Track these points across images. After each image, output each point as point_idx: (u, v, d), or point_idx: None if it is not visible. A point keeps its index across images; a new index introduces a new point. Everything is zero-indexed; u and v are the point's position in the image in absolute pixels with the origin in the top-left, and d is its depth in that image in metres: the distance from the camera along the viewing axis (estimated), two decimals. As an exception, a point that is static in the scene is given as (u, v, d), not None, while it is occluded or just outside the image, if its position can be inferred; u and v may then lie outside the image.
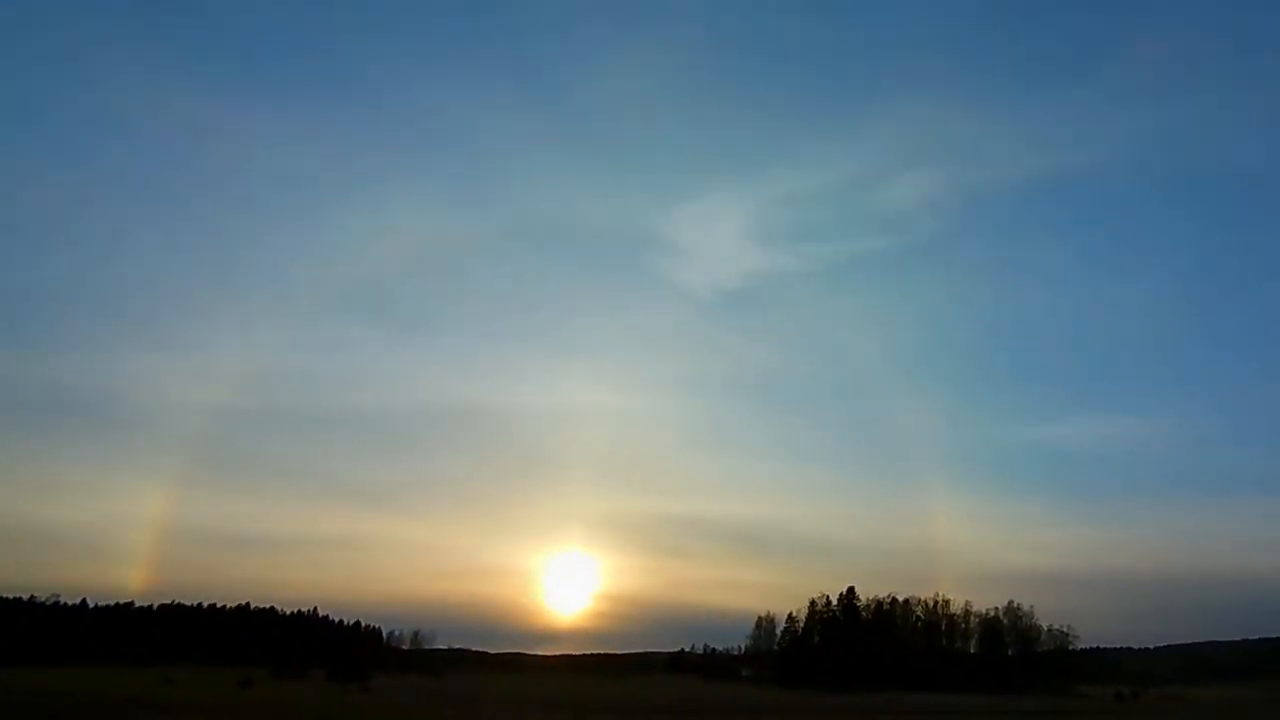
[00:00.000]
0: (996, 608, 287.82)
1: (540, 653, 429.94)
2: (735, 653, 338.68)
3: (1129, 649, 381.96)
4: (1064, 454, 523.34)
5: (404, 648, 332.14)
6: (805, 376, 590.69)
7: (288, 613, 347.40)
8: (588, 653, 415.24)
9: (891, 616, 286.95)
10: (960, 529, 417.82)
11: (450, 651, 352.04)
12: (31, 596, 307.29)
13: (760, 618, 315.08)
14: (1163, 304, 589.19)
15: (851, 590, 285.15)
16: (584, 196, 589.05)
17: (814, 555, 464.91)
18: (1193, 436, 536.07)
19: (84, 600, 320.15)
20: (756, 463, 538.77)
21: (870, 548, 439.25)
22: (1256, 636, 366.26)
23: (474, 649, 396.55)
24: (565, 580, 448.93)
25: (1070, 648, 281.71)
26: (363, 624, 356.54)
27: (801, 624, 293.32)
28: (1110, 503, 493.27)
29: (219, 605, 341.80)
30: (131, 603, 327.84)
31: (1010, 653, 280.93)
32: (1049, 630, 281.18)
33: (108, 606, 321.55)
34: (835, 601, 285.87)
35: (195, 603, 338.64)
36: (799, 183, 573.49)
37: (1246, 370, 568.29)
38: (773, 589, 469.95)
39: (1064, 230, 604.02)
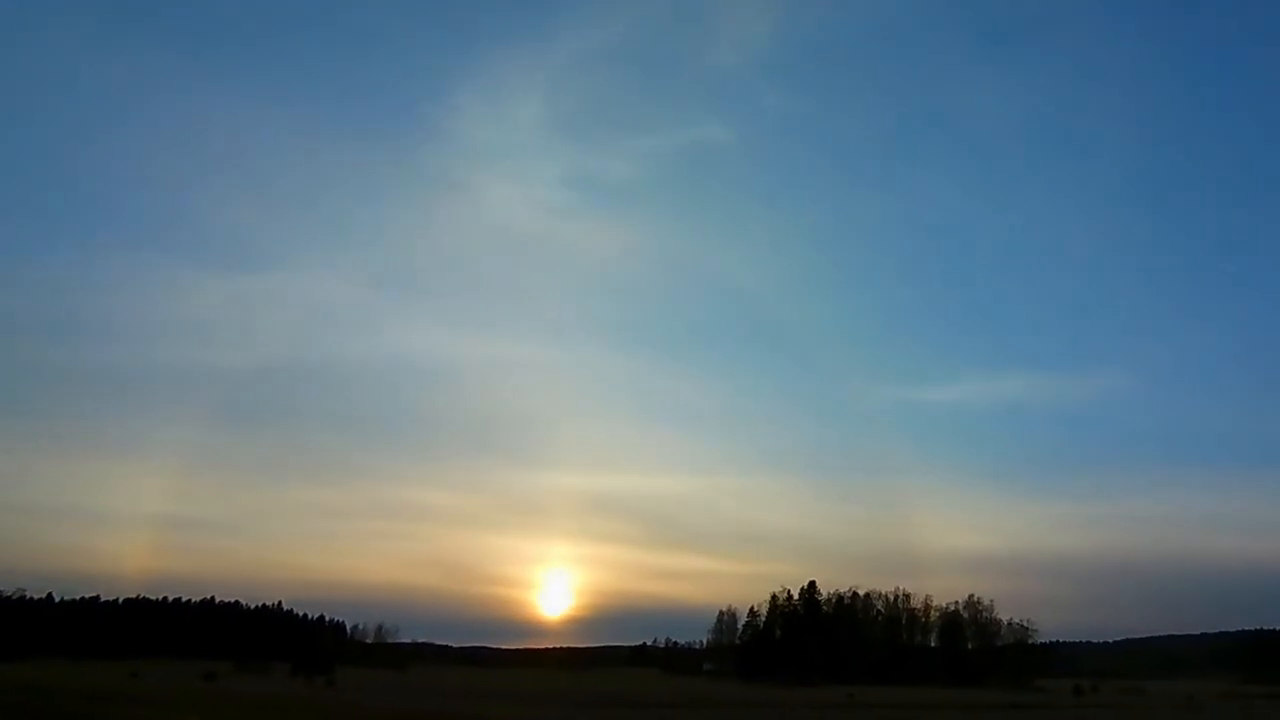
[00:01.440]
0: (957, 602, 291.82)
1: (502, 646, 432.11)
2: (697, 647, 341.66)
3: (1089, 643, 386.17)
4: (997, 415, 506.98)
5: (368, 641, 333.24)
6: (691, 323, 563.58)
7: (252, 607, 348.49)
8: (550, 647, 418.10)
9: (852, 610, 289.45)
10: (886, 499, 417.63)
11: (414, 645, 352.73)
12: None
13: (722, 612, 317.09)
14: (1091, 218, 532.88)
15: (813, 584, 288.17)
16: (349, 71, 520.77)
17: (745, 540, 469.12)
18: (1145, 395, 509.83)
19: (50, 594, 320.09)
20: (664, 428, 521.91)
21: (798, 532, 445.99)
22: (1216, 630, 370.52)
23: (437, 643, 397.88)
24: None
25: (1030, 641, 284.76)
26: (326, 618, 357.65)
27: (763, 618, 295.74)
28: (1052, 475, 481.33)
29: (184, 599, 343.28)
30: (97, 597, 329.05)
31: (970, 646, 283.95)
32: (1009, 624, 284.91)
33: (74, 601, 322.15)
34: (796, 595, 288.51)
35: (161, 597, 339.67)
36: (591, 35, 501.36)
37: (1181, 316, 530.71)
38: (688, 574, 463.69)
39: (959, 96, 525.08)
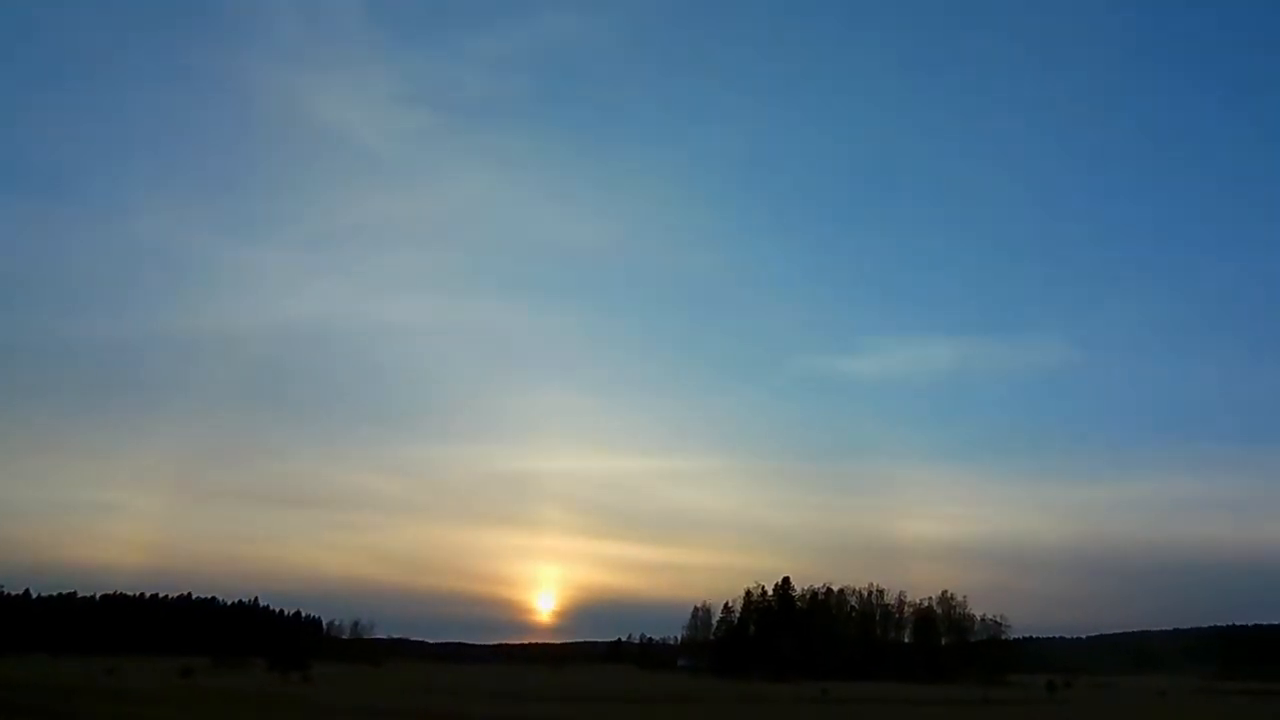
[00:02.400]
0: (930, 598, 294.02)
1: (477, 642, 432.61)
2: (672, 642, 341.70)
3: (1061, 638, 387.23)
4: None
5: (344, 637, 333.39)
6: (601, 279, 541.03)
7: (229, 603, 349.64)
8: (526, 642, 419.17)
9: (826, 607, 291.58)
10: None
11: (390, 641, 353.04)
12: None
13: (696, 608, 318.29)
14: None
15: (787, 580, 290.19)
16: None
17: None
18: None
19: (27, 590, 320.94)
20: (595, 400, 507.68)
21: (754, 518, 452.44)
22: (1188, 626, 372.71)
23: (413, 638, 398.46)
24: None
25: (1003, 637, 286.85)
26: (303, 613, 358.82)
27: (738, 614, 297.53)
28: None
29: (161, 595, 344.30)
30: (74, 593, 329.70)
31: (944, 642, 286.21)
32: (982, 619, 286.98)
33: (51, 597, 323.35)
34: (771, 591, 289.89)
35: (138, 593, 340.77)
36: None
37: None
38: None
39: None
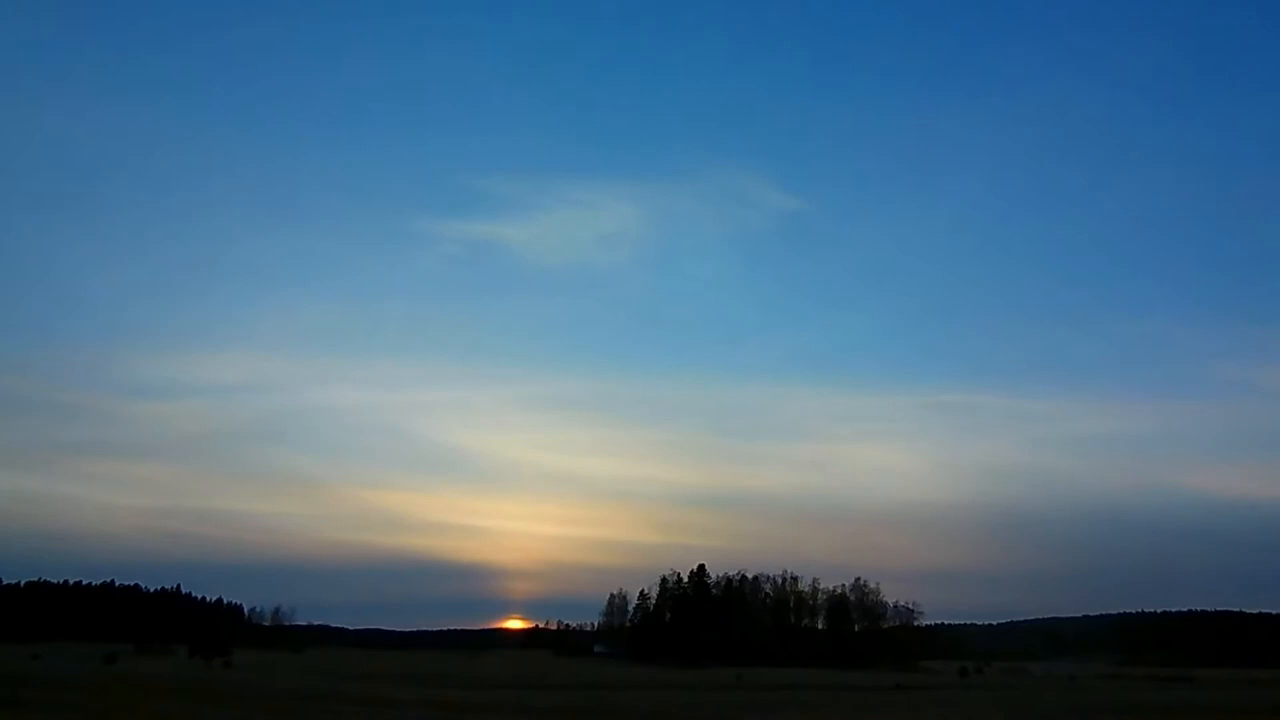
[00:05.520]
0: (844, 585, 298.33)
1: (397, 628, 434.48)
2: (588, 629, 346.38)
3: (974, 625, 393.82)
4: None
5: (265, 624, 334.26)
6: None
7: (151, 590, 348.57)
8: (445, 629, 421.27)
9: (741, 594, 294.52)
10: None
11: (310, 628, 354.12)
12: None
13: (613, 595, 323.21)
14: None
15: (702, 568, 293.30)
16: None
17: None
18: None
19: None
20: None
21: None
22: (1097, 613, 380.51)
23: (333, 625, 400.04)
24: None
25: (916, 624, 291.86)
26: (224, 600, 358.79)
27: (653, 601, 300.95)
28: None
29: (84, 583, 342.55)
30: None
31: (857, 629, 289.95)
32: (895, 606, 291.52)
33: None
34: (686, 578, 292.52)
35: (61, 580, 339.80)
36: None
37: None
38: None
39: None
